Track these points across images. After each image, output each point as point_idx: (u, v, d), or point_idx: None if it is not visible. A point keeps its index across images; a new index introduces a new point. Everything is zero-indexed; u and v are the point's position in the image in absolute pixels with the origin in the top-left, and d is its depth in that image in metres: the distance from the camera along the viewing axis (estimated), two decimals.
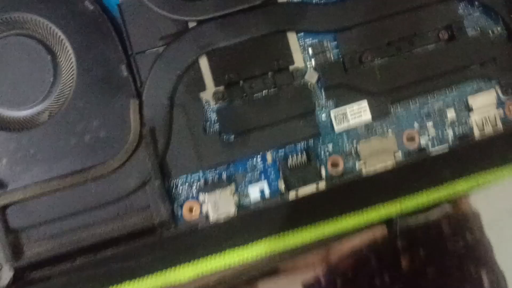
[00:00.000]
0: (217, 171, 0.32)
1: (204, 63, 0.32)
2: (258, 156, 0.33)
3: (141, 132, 0.31)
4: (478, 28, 0.35)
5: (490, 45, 0.34)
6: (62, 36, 0.31)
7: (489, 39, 0.35)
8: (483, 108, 0.34)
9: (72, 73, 0.31)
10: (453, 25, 0.34)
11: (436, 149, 0.34)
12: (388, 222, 0.36)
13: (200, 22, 0.32)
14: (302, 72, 0.33)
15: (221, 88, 0.32)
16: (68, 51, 0.31)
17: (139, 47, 0.32)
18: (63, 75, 0.31)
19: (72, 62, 0.31)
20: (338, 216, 0.32)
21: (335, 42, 0.33)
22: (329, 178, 0.33)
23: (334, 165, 0.33)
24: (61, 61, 0.31)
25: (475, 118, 0.34)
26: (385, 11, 0.34)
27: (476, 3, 0.35)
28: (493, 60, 0.34)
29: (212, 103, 0.32)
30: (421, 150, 0.34)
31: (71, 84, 0.31)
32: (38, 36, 0.31)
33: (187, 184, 0.32)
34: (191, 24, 0.32)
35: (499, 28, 0.35)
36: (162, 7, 0.31)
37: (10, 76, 0.30)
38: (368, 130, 0.34)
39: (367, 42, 0.33)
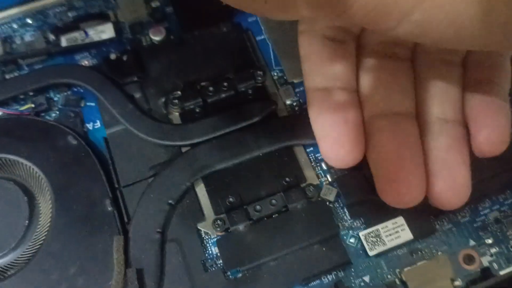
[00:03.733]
0: None
1: (200, 189, 0.29)
2: None
3: (126, 275, 0.26)
4: None
5: None
6: (41, 175, 0.29)
7: None
8: None
9: (49, 215, 0.28)
10: None
11: (505, 270, 0.28)
12: None
13: (194, 145, 0.30)
14: (317, 189, 0.29)
15: (222, 216, 0.28)
16: (46, 191, 0.28)
17: (127, 179, 0.29)
18: (41, 217, 0.28)
19: (50, 202, 0.28)
20: None
21: None
22: None
23: None
24: (39, 202, 0.28)
25: None
26: None
27: None
28: None
29: (213, 234, 0.28)
30: (486, 272, 0.28)
31: (47, 227, 0.28)
32: (15, 178, 0.29)
33: None
34: (185, 149, 0.30)
35: None
36: (153, 135, 0.30)
37: None
38: (412, 253, 0.28)
39: None
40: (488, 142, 0.26)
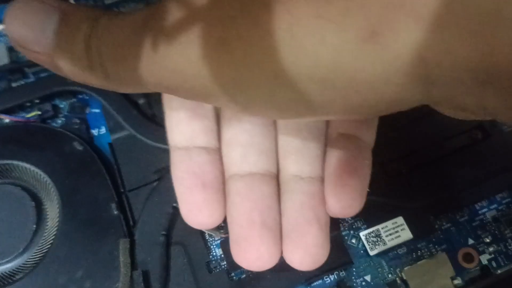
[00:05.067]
0: None
1: None
2: None
3: (132, 277, 0.27)
4: None
5: None
6: (48, 181, 0.29)
7: None
8: None
9: (56, 219, 0.28)
10: (485, 123, 0.32)
11: (504, 268, 0.28)
12: None
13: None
14: None
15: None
16: (53, 195, 0.29)
17: (132, 183, 0.30)
18: (48, 222, 0.29)
19: (57, 207, 0.29)
20: None
21: None
22: None
23: None
24: (46, 207, 0.29)
25: None
26: (404, 120, 0.32)
27: None
28: None
29: (217, 236, 0.29)
30: (485, 270, 0.28)
31: (55, 232, 0.28)
32: (23, 183, 0.29)
33: None
34: None
35: None
36: (157, 140, 0.31)
37: None
38: (412, 252, 0.29)
39: (389, 151, 0.30)
40: (338, 205, 0.24)
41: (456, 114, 0.20)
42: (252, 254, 0.23)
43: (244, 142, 0.26)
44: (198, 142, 0.26)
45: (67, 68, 0.21)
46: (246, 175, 0.25)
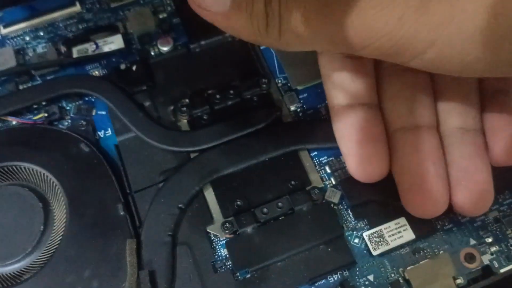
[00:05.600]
0: None
1: (209, 194, 0.30)
2: None
3: (139, 276, 0.27)
4: None
5: None
6: (55, 182, 0.29)
7: None
8: None
9: (63, 220, 0.29)
10: None
11: (505, 268, 0.28)
12: None
13: (202, 151, 0.31)
14: (322, 192, 0.30)
15: (231, 219, 0.29)
16: (60, 197, 0.29)
17: (138, 185, 0.30)
18: (55, 222, 0.29)
19: (64, 208, 0.29)
20: None
21: None
22: None
23: None
24: (54, 208, 0.29)
25: None
26: None
27: None
28: None
29: (222, 236, 0.29)
30: (487, 270, 0.29)
31: (62, 232, 0.29)
32: (30, 185, 0.30)
33: None
34: (193, 154, 0.31)
35: None
36: (162, 141, 0.31)
37: None
38: (414, 252, 0.29)
39: None
40: (504, 153, 0.27)
41: None
42: (426, 201, 0.26)
43: (409, 97, 0.28)
44: (360, 100, 0.29)
45: (242, 28, 0.23)
46: (414, 128, 0.28)
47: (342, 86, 0.28)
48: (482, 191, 0.26)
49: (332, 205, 0.30)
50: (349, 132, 0.28)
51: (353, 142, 0.27)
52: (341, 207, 0.30)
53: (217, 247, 0.29)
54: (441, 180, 0.26)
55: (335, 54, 0.28)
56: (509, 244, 0.29)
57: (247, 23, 0.22)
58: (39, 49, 0.35)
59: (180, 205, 0.29)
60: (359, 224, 0.30)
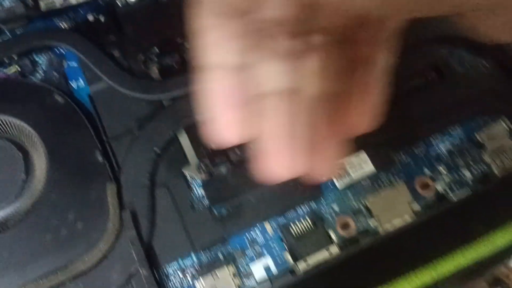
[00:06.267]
0: (213, 251, 0.29)
1: (183, 138, 0.31)
2: (256, 228, 0.30)
3: (121, 217, 0.29)
4: (466, 64, 0.34)
5: (482, 79, 0.34)
6: (33, 133, 0.30)
7: (480, 73, 0.34)
8: (495, 141, 0.33)
9: (44, 168, 0.30)
10: (440, 64, 0.34)
11: (458, 194, 0.31)
12: None
13: (173, 99, 0.32)
14: None
15: (205, 160, 0.31)
16: (39, 147, 0.30)
17: (114, 132, 0.31)
18: (36, 171, 0.30)
19: (44, 157, 0.30)
20: None
21: None
22: (341, 241, 0.30)
23: (344, 226, 0.30)
24: (33, 157, 0.30)
25: (489, 154, 0.32)
26: None
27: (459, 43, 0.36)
28: (492, 93, 0.33)
29: (197, 177, 0.31)
30: (440, 197, 0.31)
31: (43, 180, 0.30)
32: (9, 136, 0.31)
33: (179, 271, 0.29)
34: (166, 103, 0.32)
35: (485, 62, 0.35)
36: (134, 90, 0.32)
37: None
38: (374, 182, 0.31)
39: None
40: (357, 120, 0.26)
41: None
42: (283, 162, 0.25)
43: (273, 62, 0.26)
44: (232, 61, 0.27)
45: None
46: (276, 92, 0.26)
47: (214, 46, 0.27)
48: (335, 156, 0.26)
49: None
50: (216, 95, 0.26)
51: (219, 106, 0.26)
52: None
53: (193, 187, 0.31)
54: (297, 144, 0.26)
55: (214, 9, 0.26)
56: (460, 173, 0.32)
57: None
58: (6, 3, 0.35)
59: (156, 150, 0.31)
60: None
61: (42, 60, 0.33)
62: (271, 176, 0.26)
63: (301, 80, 0.27)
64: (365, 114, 0.26)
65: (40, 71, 0.33)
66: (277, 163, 0.26)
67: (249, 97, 0.27)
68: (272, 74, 0.27)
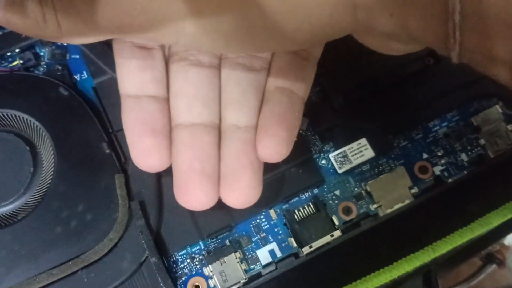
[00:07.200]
0: (219, 238, 0.31)
1: None
2: (261, 215, 0.31)
3: (130, 207, 0.30)
4: None
5: None
6: (40, 126, 0.31)
7: None
8: (490, 125, 0.33)
9: (52, 161, 0.31)
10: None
11: (454, 177, 0.33)
12: (425, 274, 0.33)
13: None
14: None
15: None
16: (46, 140, 0.31)
17: (119, 124, 0.31)
18: (44, 164, 0.31)
19: (51, 150, 0.31)
20: (366, 271, 0.29)
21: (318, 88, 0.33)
22: (343, 225, 0.31)
23: (346, 211, 0.31)
24: (41, 150, 0.31)
25: (485, 137, 0.33)
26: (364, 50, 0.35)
27: None
28: (487, 78, 0.34)
29: None
30: (438, 180, 0.33)
31: (52, 172, 0.30)
32: (15, 130, 0.31)
33: (188, 258, 0.30)
34: None
35: None
36: None
37: None
38: (374, 168, 0.33)
39: (350, 80, 0.33)
40: (266, 152, 0.27)
41: (382, 45, 0.23)
42: (191, 198, 0.27)
43: (189, 94, 0.28)
44: (148, 91, 0.28)
45: (20, 23, 0.22)
46: (190, 125, 0.28)
47: (130, 75, 0.28)
48: (244, 187, 0.27)
49: (300, 131, 0.32)
50: (133, 124, 0.27)
51: (136, 135, 0.27)
52: (309, 133, 0.33)
53: None
54: (207, 178, 0.27)
55: (126, 42, 0.28)
56: (457, 156, 0.33)
57: (23, 18, 0.22)
58: None
59: None
60: (325, 147, 0.33)
61: (44, 52, 0.33)
62: (190, 207, 0.27)
63: (212, 114, 0.28)
64: (277, 145, 0.27)
65: (43, 64, 0.33)
66: (188, 196, 0.27)
67: (165, 126, 0.28)
68: (184, 106, 0.28)
